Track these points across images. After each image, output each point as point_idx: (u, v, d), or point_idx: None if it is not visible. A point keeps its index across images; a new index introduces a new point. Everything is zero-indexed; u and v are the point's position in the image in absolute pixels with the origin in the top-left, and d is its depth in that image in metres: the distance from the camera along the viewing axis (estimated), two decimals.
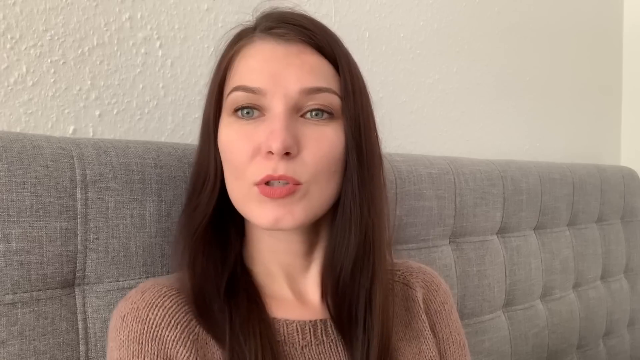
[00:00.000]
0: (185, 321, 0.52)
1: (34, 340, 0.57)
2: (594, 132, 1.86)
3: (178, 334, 0.51)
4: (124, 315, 0.52)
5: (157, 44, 0.80)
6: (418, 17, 1.22)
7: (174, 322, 0.52)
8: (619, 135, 1.99)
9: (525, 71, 1.54)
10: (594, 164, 1.57)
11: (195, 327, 0.53)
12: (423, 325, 0.63)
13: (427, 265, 0.71)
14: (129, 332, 0.51)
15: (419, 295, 0.64)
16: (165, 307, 0.52)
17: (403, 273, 0.66)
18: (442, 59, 1.28)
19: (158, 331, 0.51)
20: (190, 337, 0.52)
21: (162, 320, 0.51)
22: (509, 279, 1.16)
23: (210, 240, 0.57)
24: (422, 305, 0.64)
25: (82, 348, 0.60)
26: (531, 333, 1.22)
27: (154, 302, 0.52)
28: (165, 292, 0.53)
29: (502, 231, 1.18)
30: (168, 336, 0.51)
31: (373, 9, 1.12)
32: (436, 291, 0.66)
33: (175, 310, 0.52)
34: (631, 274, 1.65)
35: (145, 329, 0.51)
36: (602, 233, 1.52)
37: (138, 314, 0.51)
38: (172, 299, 0.53)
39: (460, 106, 1.33)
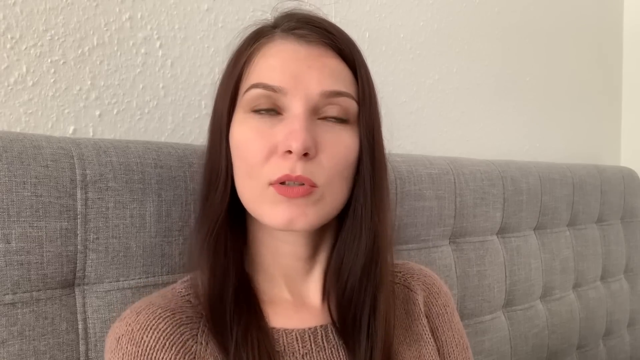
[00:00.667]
0: (180, 342, 0.52)
1: (33, 340, 0.57)
2: (593, 133, 1.86)
3: (173, 356, 0.51)
4: (119, 337, 0.51)
5: (157, 44, 0.80)
6: (418, 18, 1.22)
7: (169, 343, 0.51)
8: (619, 135, 1.99)
9: (525, 71, 1.54)
10: (594, 165, 1.57)
11: (192, 347, 0.52)
12: (423, 329, 0.62)
13: (427, 265, 0.71)
14: (123, 354, 0.50)
15: (420, 298, 0.64)
16: (160, 329, 0.51)
17: (404, 275, 0.66)
18: (442, 59, 1.28)
19: (152, 353, 0.50)
20: (187, 358, 0.51)
21: (157, 342, 0.51)
22: (509, 280, 1.16)
23: (230, 238, 0.56)
24: (422, 309, 0.64)
25: (82, 348, 0.60)
26: (531, 333, 1.22)
27: (148, 325, 0.51)
28: (160, 313, 0.53)
29: (502, 231, 1.18)
30: (163, 358, 0.50)
31: (373, 10, 1.12)
32: (437, 294, 0.66)
33: (170, 332, 0.52)
34: (631, 274, 1.65)
35: (140, 351, 0.50)
36: (602, 233, 1.52)
37: (132, 336, 0.51)
38: (167, 321, 0.52)
39: (460, 106, 1.33)
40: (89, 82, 0.74)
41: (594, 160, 1.77)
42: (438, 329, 0.64)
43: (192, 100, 0.84)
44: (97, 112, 0.75)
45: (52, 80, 0.71)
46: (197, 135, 0.84)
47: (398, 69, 1.18)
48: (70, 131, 0.73)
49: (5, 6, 0.67)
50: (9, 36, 0.67)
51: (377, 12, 1.13)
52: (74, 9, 0.72)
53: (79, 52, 0.73)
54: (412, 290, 0.64)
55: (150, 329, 0.51)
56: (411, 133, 1.21)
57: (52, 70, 0.71)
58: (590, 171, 1.49)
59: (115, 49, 0.76)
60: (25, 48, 0.69)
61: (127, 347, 0.50)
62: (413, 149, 1.21)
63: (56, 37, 0.71)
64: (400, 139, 1.18)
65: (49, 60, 0.70)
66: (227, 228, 0.56)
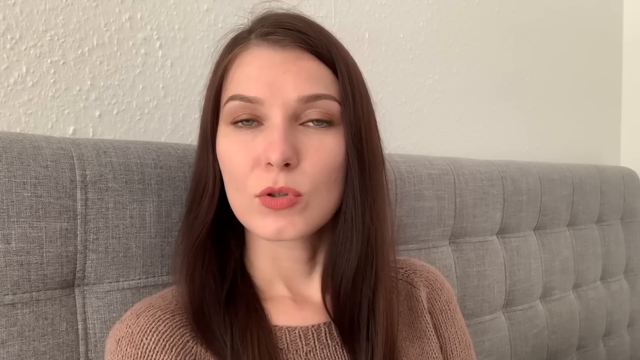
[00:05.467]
0: (180, 344, 0.52)
1: (33, 340, 0.57)
2: (593, 133, 1.86)
3: (173, 357, 0.51)
4: (119, 339, 0.51)
5: (157, 44, 0.80)
6: (418, 18, 1.22)
7: (169, 345, 0.51)
8: (619, 135, 1.99)
9: (525, 71, 1.54)
10: (593, 165, 1.57)
11: (192, 348, 0.52)
12: (427, 326, 0.62)
13: None
14: (122, 356, 0.50)
15: (423, 294, 0.64)
16: (160, 331, 0.51)
17: (406, 271, 0.66)
18: (442, 59, 1.28)
19: (152, 355, 0.50)
20: (187, 359, 0.51)
21: (157, 344, 0.51)
22: (508, 280, 1.16)
23: (210, 250, 0.56)
24: (425, 305, 0.64)
25: (81, 349, 0.60)
26: (531, 333, 1.22)
27: (148, 327, 0.51)
28: (159, 316, 0.53)
29: (502, 232, 1.18)
30: None
31: (373, 10, 1.12)
32: (440, 290, 0.66)
33: (170, 334, 0.52)
34: (631, 275, 1.65)
35: (139, 354, 0.50)
36: (602, 233, 1.52)
37: (132, 338, 0.51)
38: (167, 323, 0.52)
39: (460, 107, 1.33)
40: (89, 83, 0.74)
41: (594, 161, 1.77)
42: (441, 326, 0.64)
43: (192, 101, 0.84)
44: (97, 113, 0.75)
45: (51, 81, 0.71)
46: (197, 135, 0.84)
47: (398, 69, 1.18)
48: (70, 132, 0.73)
49: (5, 6, 0.67)
50: (9, 36, 0.67)
51: (376, 12, 1.13)
52: (73, 9, 0.72)
53: (79, 52, 0.73)
54: (414, 287, 0.64)
55: (150, 331, 0.51)
56: (411, 133, 1.21)
57: (52, 70, 0.71)
58: (590, 171, 1.49)
59: (115, 49, 0.76)
60: (25, 48, 0.68)
61: (126, 350, 0.50)
62: (413, 149, 1.21)
63: (56, 38, 0.71)
64: (400, 139, 1.18)
65: (49, 61, 0.70)
66: (210, 241, 0.56)
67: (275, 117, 0.51)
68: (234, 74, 0.54)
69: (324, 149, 0.52)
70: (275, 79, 0.51)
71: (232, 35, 0.58)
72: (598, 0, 1.86)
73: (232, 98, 0.52)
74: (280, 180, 0.50)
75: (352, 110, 0.53)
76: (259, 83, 0.51)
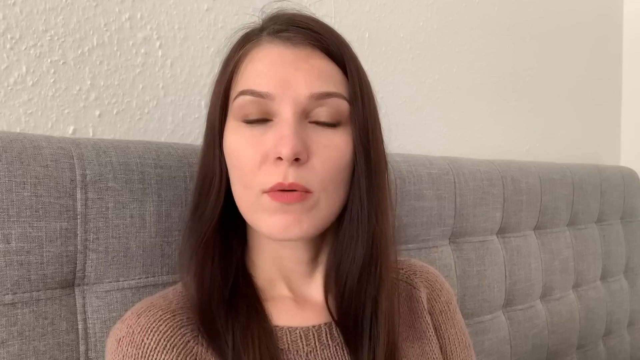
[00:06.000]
0: (181, 344, 0.52)
1: (33, 340, 0.57)
2: (593, 132, 1.86)
3: (174, 357, 0.51)
4: (120, 339, 0.51)
5: (157, 44, 0.80)
6: (418, 17, 1.22)
7: (170, 345, 0.51)
8: (619, 135, 1.99)
9: (525, 71, 1.54)
10: (593, 164, 1.57)
11: (193, 348, 0.52)
12: (427, 326, 0.62)
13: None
14: (123, 356, 0.50)
15: (423, 295, 0.64)
16: (161, 331, 0.51)
17: (406, 272, 0.66)
18: (442, 59, 1.28)
19: (153, 355, 0.50)
20: (188, 359, 0.51)
21: (157, 344, 0.51)
22: (508, 279, 1.16)
23: (218, 246, 0.56)
24: (425, 306, 0.64)
25: (81, 348, 0.60)
26: (531, 333, 1.22)
27: (149, 327, 0.51)
28: (160, 315, 0.53)
29: (502, 231, 1.18)
30: None
31: (373, 10, 1.12)
32: (440, 291, 0.66)
33: (171, 334, 0.52)
34: (631, 274, 1.65)
35: (140, 354, 0.50)
36: (602, 233, 1.52)
37: (133, 338, 0.51)
38: (168, 323, 0.52)
39: (460, 106, 1.33)
40: (89, 82, 0.74)
41: (594, 160, 1.77)
42: (441, 326, 0.64)
43: (192, 100, 0.84)
44: (97, 112, 0.75)
45: (51, 81, 0.71)
46: (197, 135, 0.84)
47: (398, 69, 1.18)
48: (70, 131, 0.73)
49: (5, 6, 0.67)
50: (9, 36, 0.67)
51: (376, 12, 1.13)
52: (73, 9, 0.72)
53: (79, 52, 0.73)
54: (415, 288, 0.64)
55: (151, 331, 0.51)
56: (411, 133, 1.21)
57: (52, 70, 0.71)
58: (590, 171, 1.49)
59: (115, 49, 0.76)
60: (25, 48, 0.68)
61: (127, 350, 0.50)
62: (413, 149, 1.21)
63: (56, 38, 0.71)
64: (400, 139, 1.18)
65: (49, 61, 0.70)
66: (218, 237, 0.56)
67: (286, 112, 0.51)
68: (244, 70, 0.54)
69: (333, 148, 0.52)
70: (286, 76, 0.51)
71: (242, 33, 0.58)
72: (598, 1, 1.86)
73: (243, 93, 0.52)
74: (290, 175, 0.50)
75: (361, 110, 0.54)
76: (270, 79, 0.52)
